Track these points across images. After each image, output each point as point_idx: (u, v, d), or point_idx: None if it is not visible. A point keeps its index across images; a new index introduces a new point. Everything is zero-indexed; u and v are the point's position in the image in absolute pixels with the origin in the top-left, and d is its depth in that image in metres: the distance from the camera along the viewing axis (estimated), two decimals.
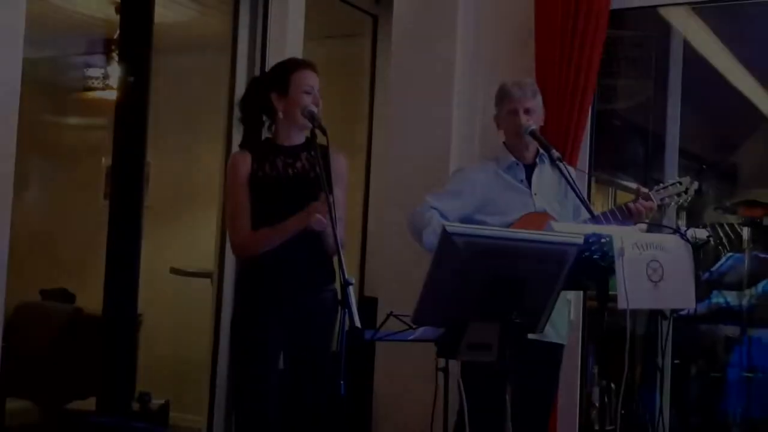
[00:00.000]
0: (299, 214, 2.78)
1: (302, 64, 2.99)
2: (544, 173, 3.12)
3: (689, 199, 3.06)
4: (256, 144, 3.01)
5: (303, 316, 2.90)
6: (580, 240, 2.28)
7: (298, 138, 2.94)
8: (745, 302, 4.55)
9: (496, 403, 2.33)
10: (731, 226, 4.88)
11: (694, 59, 4.31)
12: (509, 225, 2.96)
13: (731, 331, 4.58)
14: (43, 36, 5.07)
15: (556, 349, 3.10)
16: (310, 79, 2.93)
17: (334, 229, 2.52)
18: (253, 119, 3.03)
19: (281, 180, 2.90)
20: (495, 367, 2.20)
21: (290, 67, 2.98)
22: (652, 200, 2.97)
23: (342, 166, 2.99)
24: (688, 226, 3.38)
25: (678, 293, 2.52)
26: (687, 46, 4.22)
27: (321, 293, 2.93)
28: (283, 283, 2.88)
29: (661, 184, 3.07)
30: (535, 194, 3.07)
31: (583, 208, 3.10)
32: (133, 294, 3.50)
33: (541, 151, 3.10)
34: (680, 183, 3.05)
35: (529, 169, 3.11)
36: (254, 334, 2.90)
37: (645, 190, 3.00)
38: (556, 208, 3.08)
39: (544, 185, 3.10)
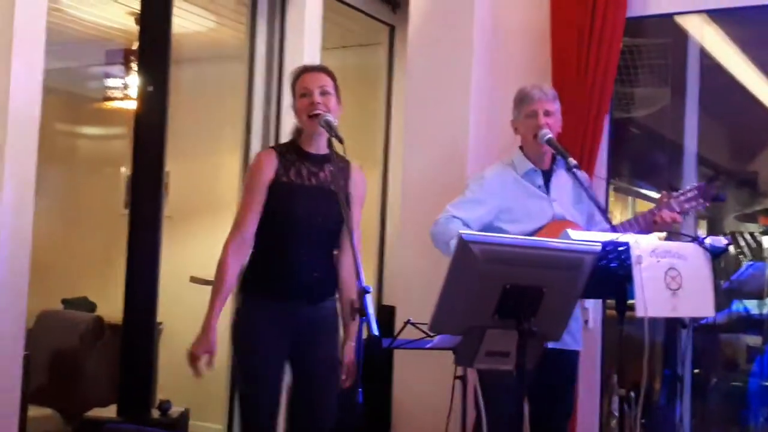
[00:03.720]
0: (210, 335, 2.78)
1: (302, 70, 2.97)
2: (561, 179, 3.11)
3: (706, 204, 3.03)
4: (284, 145, 2.98)
5: (306, 326, 2.88)
6: (598, 248, 2.27)
7: (323, 146, 2.91)
8: (766, 311, 4.51)
9: (514, 411, 2.32)
10: (752, 234, 4.85)
11: (711, 66, 4.29)
12: (530, 233, 2.95)
13: (752, 340, 4.55)
14: (64, 47, 5.14)
15: (573, 356, 3.09)
16: (305, 82, 2.89)
17: (351, 239, 2.53)
18: None
19: (303, 188, 2.88)
20: (513, 375, 2.20)
21: (294, 76, 2.97)
22: (675, 210, 2.95)
23: (360, 185, 3.00)
24: (708, 234, 3.36)
25: (697, 302, 2.50)
26: (704, 54, 4.21)
27: (322, 303, 2.92)
28: (286, 291, 2.87)
29: (680, 192, 3.04)
30: (554, 201, 3.06)
31: (596, 216, 3.11)
32: (153, 302, 3.52)
33: (557, 156, 3.10)
34: (697, 189, 3.03)
35: (546, 174, 3.10)
36: (254, 340, 2.87)
37: (667, 199, 2.98)
38: (574, 214, 3.08)
39: (561, 191, 3.09)
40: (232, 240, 2.89)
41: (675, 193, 3.03)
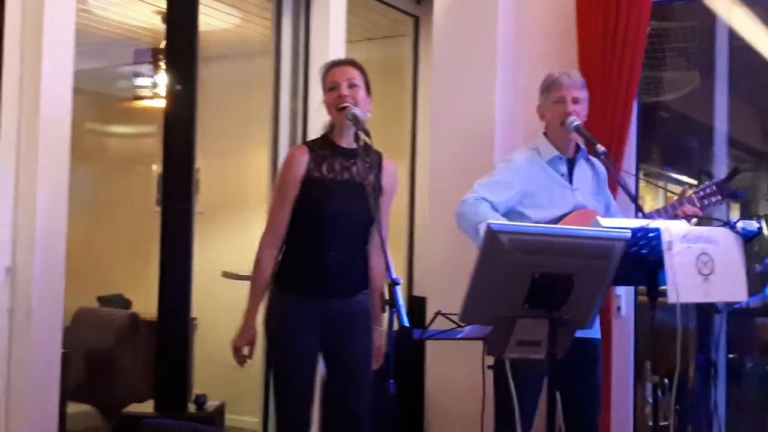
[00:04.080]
0: (251, 329, 2.91)
1: (331, 65, 2.99)
2: (583, 169, 3.09)
3: (727, 198, 3.01)
4: (316, 141, 3.00)
5: (338, 319, 2.90)
6: (628, 234, 2.26)
7: (353, 139, 2.91)
8: None
9: (548, 399, 2.32)
10: None
11: (740, 48, 4.24)
12: (551, 220, 2.94)
13: None
14: (93, 48, 5.20)
15: (594, 343, 3.05)
16: (333, 76, 2.91)
17: (380, 231, 2.54)
18: None
19: (335, 184, 2.90)
20: (544, 364, 2.20)
21: (324, 70, 2.99)
22: (696, 205, 2.93)
23: (392, 179, 3.02)
24: (740, 218, 3.32)
25: (729, 286, 2.48)
26: (733, 35, 4.15)
27: (355, 297, 2.93)
28: (318, 286, 2.89)
29: (699, 188, 3.02)
30: (576, 190, 3.04)
31: (612, 207, 3.12)
32: (187, 298, 3.56)
33: (581, 145, 3.08)
34: (716, 185, 3.00)
35: (570, 163, 3.08)
36: (287, 335, 2.91)
37: (690, 192, 2.97)
38: (594, 205, 3.06)
39: (583, 181, 3.07)
40: (265, 236, 2.94)
41: (695, 189, 3.01)
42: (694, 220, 2.82)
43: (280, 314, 2.94)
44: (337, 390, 2.97)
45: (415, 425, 3.99)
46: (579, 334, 2.36)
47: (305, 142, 3.13)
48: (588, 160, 3.11)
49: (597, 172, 3.13)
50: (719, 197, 2.97)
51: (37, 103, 2.95)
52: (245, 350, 2.92)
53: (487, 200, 2.92)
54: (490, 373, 2.74)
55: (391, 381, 2.27)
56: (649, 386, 2.96)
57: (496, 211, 2.90)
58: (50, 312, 3.00)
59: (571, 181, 3.04)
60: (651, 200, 5.08)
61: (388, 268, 2.33)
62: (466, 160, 3.83)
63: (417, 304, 4.31)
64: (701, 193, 2.98)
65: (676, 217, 2.92)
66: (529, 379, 2.75)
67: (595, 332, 3.04)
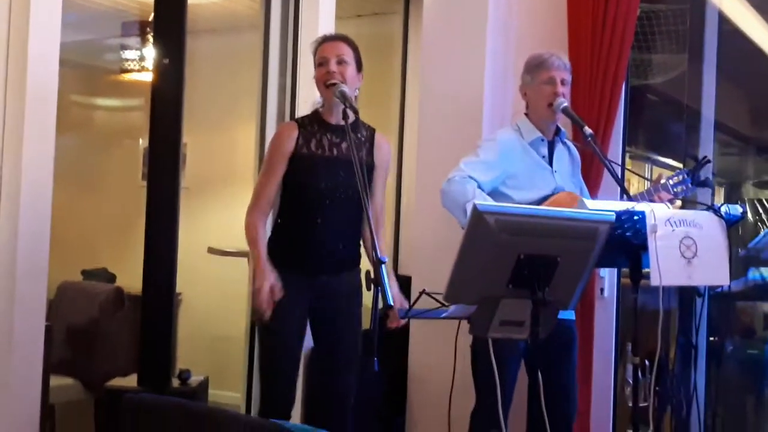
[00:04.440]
0: (268, 272, 2.80)
1: (321, 40, 2.98)
2: (561, 151, 3.10)
3: (697, 187, 3.06)
4: (307, 117, 3.00)
5: (326, 295, 2.92)
6: (612, 217, 2.28)
7: (341, 116, 2.89)
8: None
9: (529, 379, 2.34)
10: None
11: (729, 32, 4.25)
12: (533, 202, 2.95)
13: None
14: (80, 19, 5.15)
15: (569, 324, 3.07)
16: (323, 51, 2.91)
17: (366, 207, 2.54)
18: None
19: (324, 160, 2.90)
20: (520, 344, 2.22)
21: (314, 46, 2.98)
22: (669, 192, 2.96)
23: (385, 152, 3.02)
24: (725, 202, 3.35)
25: (712, 270, 2.50)
26: (722, 19, 4.16)
27: (345, 274, 2.94)
28: (308, 262, 2.90)
29: (671, 176, 3.05)
30: (556, 171, 3.05)
31: (584, 193, 3.17)
32: (172, 273, 3.54)
33: (561, 128, 3.08)
34: (688, 174, 3.04)
35: (550, 145, 3.08)
36: (275, 310, 2.86)
37: (663, 180, 3.00)
38: (571, 187, 3.08)
39: (561, 163, 3.09)
40: (251, 212, 2.95)
41: (667, 177, 3.04)
42: (678, 203, 2.85)
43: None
44: (323, 367, 2.98)
45: (397, 402, 4.02)
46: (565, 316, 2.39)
47: (295, 119, 3.12)
48: (564, 144, 3.12)
49: (572, 156, 3.16)
50: (689, 185, 3.00)
51: (23, 74, 2.92)
52: (265, 287, 2.78)
53: (473, 179, 2.91)
54: (463, 352, 2.75)
55: (375, 359, 2.28)
56: (630, 367, 2.99)
57: (483, 191, 2.90)
58: (34, 285, 2.98)
59: (551, 163, 3.05)
60: (637, 183, 5.11)
61: (374, 247, 2.34)
62: (454, 138, 3.82)
63: (403, 283, 4.31)
64: (672, 181, 3.01)
65: (653, 202, 2.94)
66: (507, 360, 2.77)
67: (569, 314, 3.07)
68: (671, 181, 3.00)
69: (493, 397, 2.43)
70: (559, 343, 2.98)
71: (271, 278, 2.80)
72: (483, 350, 2.55)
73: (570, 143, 3.09)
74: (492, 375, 2.39)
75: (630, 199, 2.91)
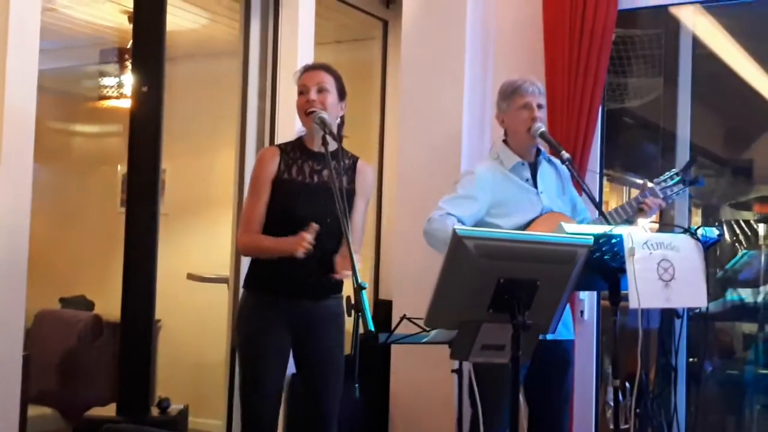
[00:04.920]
0: (289, 238, 2.77)
1: (303, 70, 3.00)
2: (545, 171, 3.12)
3: (688, 186, 3.07)
4: (289, 144, 3.01)
5: (307, 321, 2.91)
6: (590, 241, 2.29)
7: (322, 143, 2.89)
8: (761, 299, 4.54)
9: (509, 402, 2.34)
10: (747, 222, 4.86)
11: (704, 56, 4.31)
12: (521, 226, 2.96)
13: (749, 328, 4.57)
14: (58, 46, 5.14)
15: (568, 345, 3.10)
16: (303, 80, 2.94)
17: (346, 233, 2.53)
18: None
19: (305, 186, 2.91)
20: (506, 368, 2.22)
21: (297, 75, 3.00)
22: (659, 196, 2.99)
23: (367, 180, 3.04)
24: (702, 223, 3.38)
25: (689, 292, 2.51)
26: (697, 43, 4.22)
27: (326, 300, 2.94)
28: (290, 286, 2.89)
29: (660, 179, 3.07)
30: (541, 193, 3.06)
31: (578, 205, 3.15)
32: (151, 300, 3.52)
33: (541, 148, 3.10)
34: (677, 174, 3.06)
35: (532, 167, 3.09)
36: (257, 333, 2.89)
37: (651, 185, 3.02)
38: (560, 205, 3.09)
39: (547, 183, 3.10)
40: (242, 231, 2.96)
41: (656, 180, 3.06)
42: (655, 226, 2.86)
43: (250, 314, 2.95)
44: (306, 392, 2.97)
45: (380, 426, 4.00)
46: (553, 336, 2.40)
47: (277, 144, 3.14)
48: (550, 161, 3.13)
49: (560, 172, 3.16)
50: (681, 186, 3.02)
51: (1, 102, 2.91)
52: (301, 236, 2.73)
53: (452, 215, 2.93)
54: (455, 377, 2.75)
55: (356, 385, 2.27)
56: (610, 390, 2.99)
57: (464, 224, 2.91)
58: (12, 313, 2.96)
59: (535, 185, 3.06)
60: (615, 203, 5.14)
61: (354, 273, 2.33)
62: (434, 163, 3.85)
63: (383, 308, 4.31)
64: (662, 184, 3.02)
65: (640, 210, 2.95)
66: (500, 382, 2.77)
67: (569, 334, 3.08)
68: (662, 185, 3.01)
69: (477, 422, 2.42)
70: (562, 364, 3.03)
71: (297, 236, 2.75)
72: (487, 377, 2.55)
73: (555, 159, 3.09)
74: (474, 401, 2.38)
75: (608, 213, 2.93)
